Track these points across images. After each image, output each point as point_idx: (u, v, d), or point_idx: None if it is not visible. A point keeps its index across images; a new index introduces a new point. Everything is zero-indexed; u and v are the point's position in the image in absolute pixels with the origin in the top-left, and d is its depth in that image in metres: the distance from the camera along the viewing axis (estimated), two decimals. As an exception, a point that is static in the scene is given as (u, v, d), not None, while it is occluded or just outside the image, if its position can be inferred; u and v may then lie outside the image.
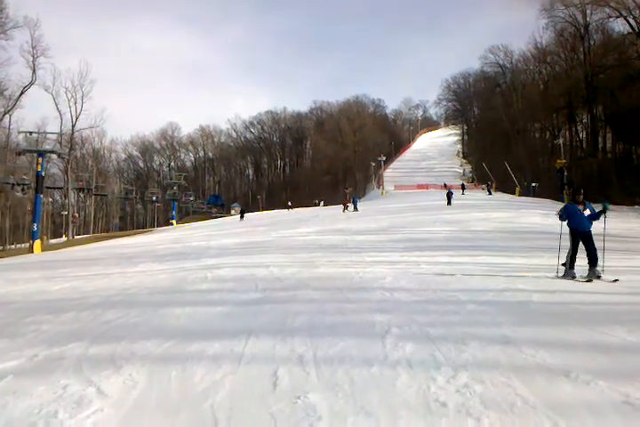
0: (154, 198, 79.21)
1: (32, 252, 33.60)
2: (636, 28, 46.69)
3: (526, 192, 51.96)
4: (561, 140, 52.09)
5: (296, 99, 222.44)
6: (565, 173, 43.49)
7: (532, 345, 4.86)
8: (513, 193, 52.56)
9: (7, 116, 55.22)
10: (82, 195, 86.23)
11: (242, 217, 44.92)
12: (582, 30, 55.49)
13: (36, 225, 36.12)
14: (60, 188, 73.97)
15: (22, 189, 59.56)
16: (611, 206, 30.25)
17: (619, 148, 56.91)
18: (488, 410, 3.48)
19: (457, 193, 49.66)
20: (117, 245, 27.06)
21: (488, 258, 11.31)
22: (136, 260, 16.94)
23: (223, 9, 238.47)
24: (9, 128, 58.52)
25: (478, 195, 47.08)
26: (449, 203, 33.17)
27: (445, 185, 51.64)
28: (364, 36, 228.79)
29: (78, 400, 4.12)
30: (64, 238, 60.72)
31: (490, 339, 5.16)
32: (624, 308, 6.48)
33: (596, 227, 9.33)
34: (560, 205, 34.04)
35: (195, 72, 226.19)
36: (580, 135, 61.63)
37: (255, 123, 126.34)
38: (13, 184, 56.24)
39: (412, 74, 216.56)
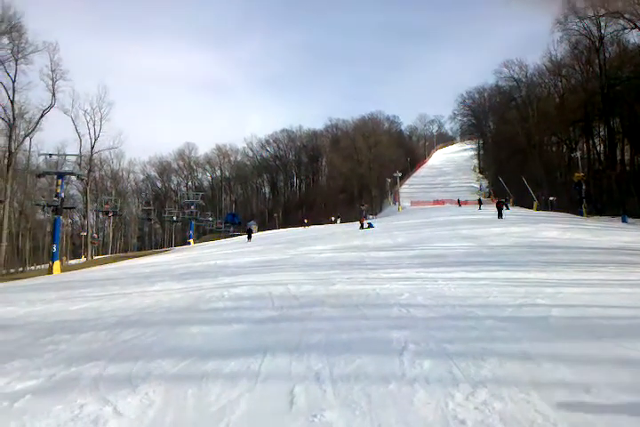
0: (174, 218, 79.82)
1: (51, 273, 33.91)
2: (652, 39, 46.61)
3: (544, 206, 51.55)
4: (578, 154, 51.73)
5: (311, 117, 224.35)
6: (584, 187, 43.13)
7: (551, 361, 4.78)
8: (530, 207, 52.15)
9: (27, 138, 56.31)
10: (101, 216, 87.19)
11: (249, 237, 36.83)
12: (597, 42, 55.39)
13: (55, 246, 36.49)
14: (108, 211, 74.83)
15: (53, 211, 60.41)
16: (630, 219, 29.70)
17: (637, 160, 56.39)
18: (507, 427, 3.43)
19: (474, 208, 49.58)
20: (135, 264, 27.21)
21: (506, 273, 11.17)
22: (153, 279, 17.00)
23: (238, 27, 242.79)
24: (29, 151, 59.74)
25: (496, 210, 46.76)
26: (500, 216, 33.00)
27: (459, 201, 51.52)
28: (378, 53, 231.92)
29: (95, 420, 4.13)
30: (83, 259, 61.27)
31: (509, 355, 5.09)
32: (646, 322, 6.37)
33: (615, 241, 9.20)
34: (578, 219, 33.73)
35: (211, 92, 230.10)
36: (598, 148, 61.16)
37: (271, 141, 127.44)
38: (44, 206, 57.03)
39: (427, 89, 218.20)
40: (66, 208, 58.48)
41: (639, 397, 3.82)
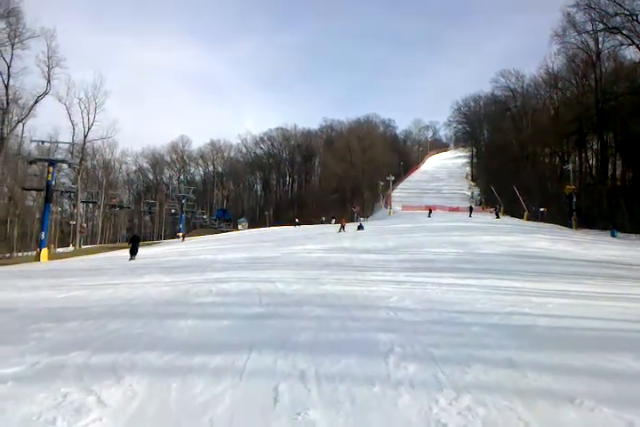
0: (172, 211, 79.50)
1: (39, 260, 33.68)
2: (648, 57, 46.90)
3: (534, 217, 51.80)
4: (570, 166, 51.99)
5: (306, 116, 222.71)
6: (574, 200, 43.35)
7: (536, 369, 4.82)
8: (521, 217, 52.35)
9: (20, 124, 55.85)
10: (90, 205, 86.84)
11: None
12: (594, 57, 55.69)
13: (43, 234, 36.21)
14: (95, 202, 75.16)
15: (69, 197, 60.34)
16: (618, 234, 29.86)
17: (628, 175, 56.76)
18: (490, 433, 3.45)
19: (462, 215, 49.96)
20: (124, 255, 27.10)
21: (495, 281, 11.23)
22: (142, 271, 16.96)
23: (237, 25, 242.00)
24: (22, 137, 59.19)
25: (486, 218, 46.93)
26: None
27: (430, 210, 52.26)
28: (376, 56, 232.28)
29: (78, 409, 4.12)
30: (71, 248, 60.93)
31: (494, 362, 5.13)
32: (631, 335, 6.42)
33: (603, 254, 9.27)
34: (567, 231, 33.91)
35: (208, 86, 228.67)
36: (590, 161, 61.49)
37: (265, 139, 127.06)
38: (62, 191, 56.92)
39: (423, 95, 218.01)
40: (67, 192, 58.44)
41: (622, 409, 3.85)
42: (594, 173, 59.99)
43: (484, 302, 8.59)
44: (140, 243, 28.16)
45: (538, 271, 13.10)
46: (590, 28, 52.85)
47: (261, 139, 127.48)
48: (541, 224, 40.98)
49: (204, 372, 5.00)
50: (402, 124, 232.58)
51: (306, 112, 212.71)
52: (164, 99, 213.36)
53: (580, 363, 5.09)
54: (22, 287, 13.79)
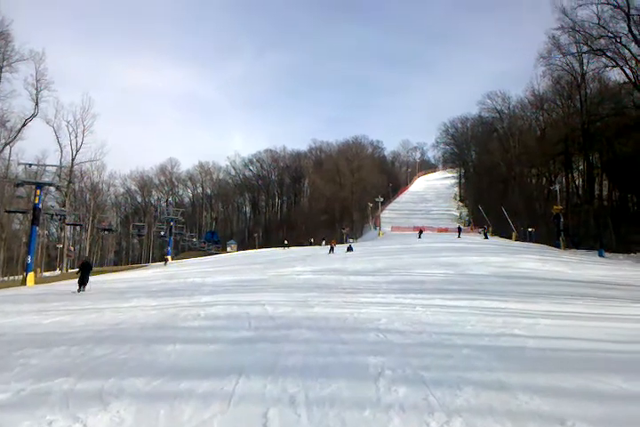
0: (161, 233, 79.15)
1: (25, 284, 33.26)
2: (632, 78, 47.46)
3: (522, 237, 52.04)
4: (557, 187, 52.51)
5: (295, 137, 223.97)
6: (562, 220, 43.66)
7: (526, 392, 4.80)
8: (509, 237, 52.60)
9: (8, 147, 55.54)
10: (78, 228, 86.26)
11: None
12: (579, 79, 56.54)
13: (30, 257, 35.82)
14: (81, 224, 74.89)
15: (60, 220, 59.96)
16: (606, 254, 29.93)
17: (615, 195, 57.34)
18: (481, 458, 3.41)
19: (451, 236, 50.09)
20: (111, 279, 26.85)
21: (484, 302, 11.23)
22: (129, 295, 16.79)
23: (225, 45, 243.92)
24: (9, 159, 58.81)
25: (475, 238, 47.07)
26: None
27: (421, 231, 52.31)
28: (364, 78, 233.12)
29: (63, 437, 4.04)
30: (58, 271, 60.28)
31: (484, 384, 5.10)
32: (621, 356, 6.41)
33: (591, 274, 9.31)
34: (555, 251, 34.08)
35: (196, 108, 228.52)
36: (577, 182, 62.11)
37: (254, 161, 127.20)
38: (52, 215, 56.61)
39: (411, 116, 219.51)
40: (55, 215, 58.24)
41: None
42: (580, 193, 60.56)
43: (474, 324, 8.57)
44: (129, 266, 27.72)
45: (527, 292, 13.11)
46: (575, 51, 53.75)
47: (250, 160, 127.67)
48: (530, 244, 41.18)
49: (193, 397, 4.94)
50: (390, 146, 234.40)
51: (294, 133, 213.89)
52: (152, 120, 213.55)
53: (571, 385, 5.08)
54: (8, 312, 13.59)
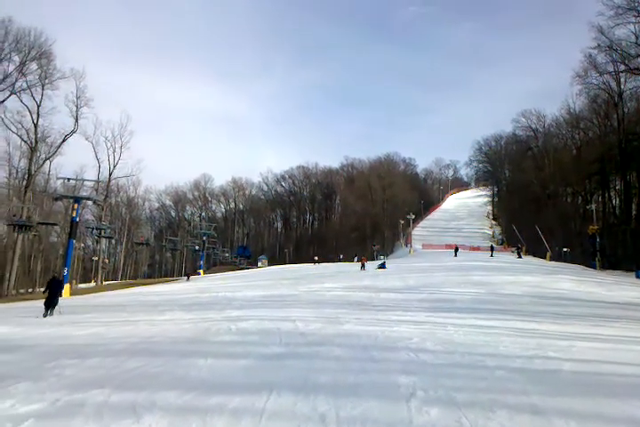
0: (196, 247, 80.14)
1: (61, 296, 33.87)
2: (671, 98, 46.83)
3: (557, 257, 51.08)
4: (593, 206, 51.54)
5: (327, 154, 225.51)
6: (598, 240, 42.79)
7: (562, 416, 4.70)
8: (543, 257, 51.65)
9: (48, 162, 57.26)
10: (113, 241, 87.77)
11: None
12: (616, 97, 55.74)
13: (66, 269, 36.63)
14: (113, 237, 76.40)
15: (98, 234, 61.73)
16: (644, 275, 28.74)
17: (653, 216, 56.07)
18: (516, 483, 3.36)
19: (483, 255, 49.29)
20: (145, 292, 27.19)
21: (518, 323, 11.04)
22: (162, 308, 16.99)
23: (258, 63, 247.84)
24: (48, 174, 60.65)
25: (508, 257, 46.36)
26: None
27: (457, 248, 51.14)
28: (396, 97, 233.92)
29: (97, 449, 4.10)
30: (93, 284, 61.32)
31: (518, 408, 5.01)
32: (660, 381, 6.23)
33: (628, 296, 9.10)
34: (592, 272, 33.36)
35: (229, 126, 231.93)
36: (614, 201, 60.91)
37: (287, 177, 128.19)
38: (94, 228, 58.37)
39: (444, 134, 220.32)
40: (93, 228, 59.81)
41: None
42: (617, 213, 59.30)
43: (507, 345, 8.43)
44: (162, 279, 27.80)
45: (561, 313, 12.85)
46: (612, 69, 53.10)
47: (282, 177, 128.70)
48: (564, 264, 40.39)
49: (224, 412, 4.96)
50: (422, 163, 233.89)
51: (326, 150, 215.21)
52: (187, 137, 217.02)
53: (608, 410, 4.94)
54: (43, 323, 13.89)
